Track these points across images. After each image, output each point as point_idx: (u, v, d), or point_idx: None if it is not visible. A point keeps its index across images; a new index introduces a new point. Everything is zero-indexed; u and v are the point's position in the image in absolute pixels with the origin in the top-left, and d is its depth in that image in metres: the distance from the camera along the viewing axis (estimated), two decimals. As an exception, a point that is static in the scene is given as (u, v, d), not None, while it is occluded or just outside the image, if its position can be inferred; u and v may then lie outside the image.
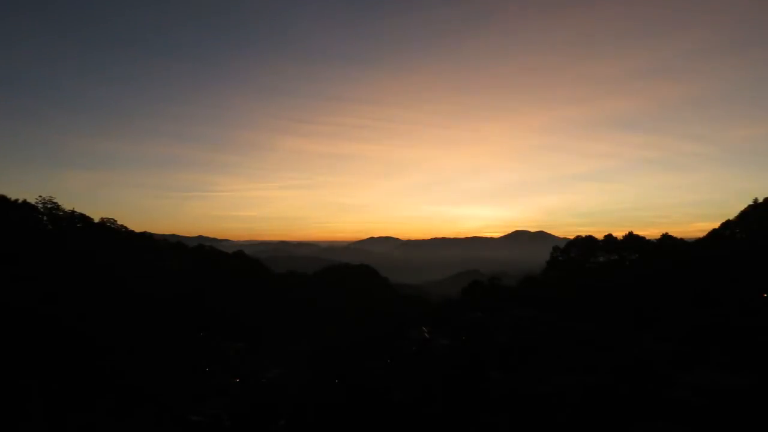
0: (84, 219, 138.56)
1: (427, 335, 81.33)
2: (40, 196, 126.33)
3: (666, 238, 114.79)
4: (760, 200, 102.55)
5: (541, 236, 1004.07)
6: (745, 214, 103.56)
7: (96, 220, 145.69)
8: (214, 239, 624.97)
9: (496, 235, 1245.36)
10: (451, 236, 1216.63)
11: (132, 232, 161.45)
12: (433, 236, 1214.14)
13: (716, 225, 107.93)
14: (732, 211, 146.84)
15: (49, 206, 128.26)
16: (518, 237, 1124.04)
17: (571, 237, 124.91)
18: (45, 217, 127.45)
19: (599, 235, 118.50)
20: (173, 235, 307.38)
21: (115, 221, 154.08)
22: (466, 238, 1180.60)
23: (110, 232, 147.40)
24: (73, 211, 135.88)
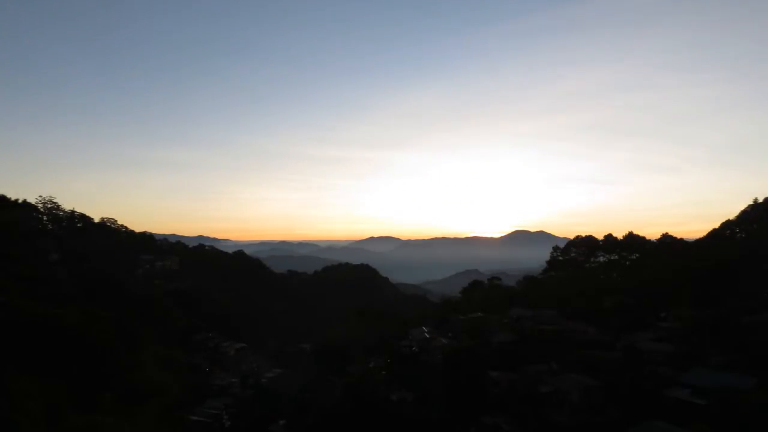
0: (84, 219, 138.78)
1: (427, 335, 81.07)
2: (40, 196, 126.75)
3: (666, 238, 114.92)
4: (760, 200, 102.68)
5: (541, 236, 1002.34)
6: (745, 214, 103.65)
7: (96, 220, 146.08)
8: (214, 239, 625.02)
9: (496, 235, 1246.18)
10: (451, 236, 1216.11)
11: (132, 232, 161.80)
12: (433, 236, 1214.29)
13: (716, 225, 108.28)
14: (732, 211, 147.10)
15: (49, 206, 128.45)
16: (518, 237, 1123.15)
17: (571, 237, 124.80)
18: (45, 217, 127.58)
19: (599, 235, 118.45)
20: (173, 235, 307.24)
21: (116, 221, 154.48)
22: (466, 238, 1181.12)
23: (110, 232, 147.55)
24: (73, 211, 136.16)
